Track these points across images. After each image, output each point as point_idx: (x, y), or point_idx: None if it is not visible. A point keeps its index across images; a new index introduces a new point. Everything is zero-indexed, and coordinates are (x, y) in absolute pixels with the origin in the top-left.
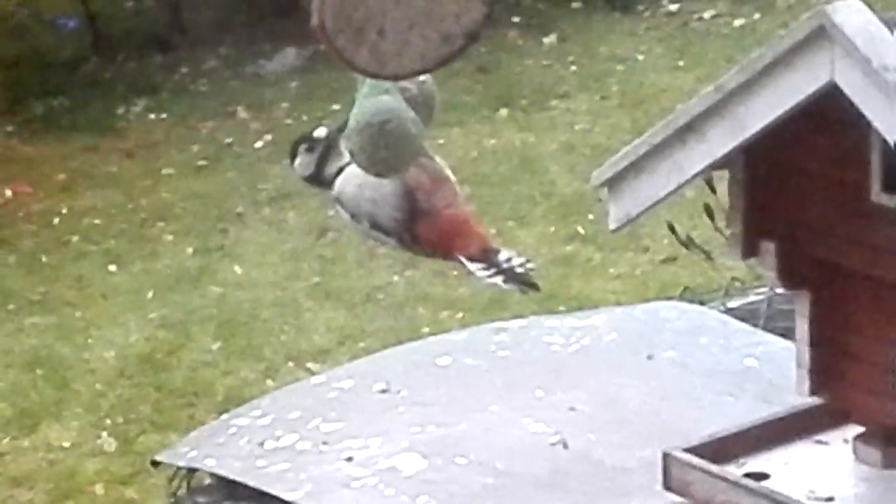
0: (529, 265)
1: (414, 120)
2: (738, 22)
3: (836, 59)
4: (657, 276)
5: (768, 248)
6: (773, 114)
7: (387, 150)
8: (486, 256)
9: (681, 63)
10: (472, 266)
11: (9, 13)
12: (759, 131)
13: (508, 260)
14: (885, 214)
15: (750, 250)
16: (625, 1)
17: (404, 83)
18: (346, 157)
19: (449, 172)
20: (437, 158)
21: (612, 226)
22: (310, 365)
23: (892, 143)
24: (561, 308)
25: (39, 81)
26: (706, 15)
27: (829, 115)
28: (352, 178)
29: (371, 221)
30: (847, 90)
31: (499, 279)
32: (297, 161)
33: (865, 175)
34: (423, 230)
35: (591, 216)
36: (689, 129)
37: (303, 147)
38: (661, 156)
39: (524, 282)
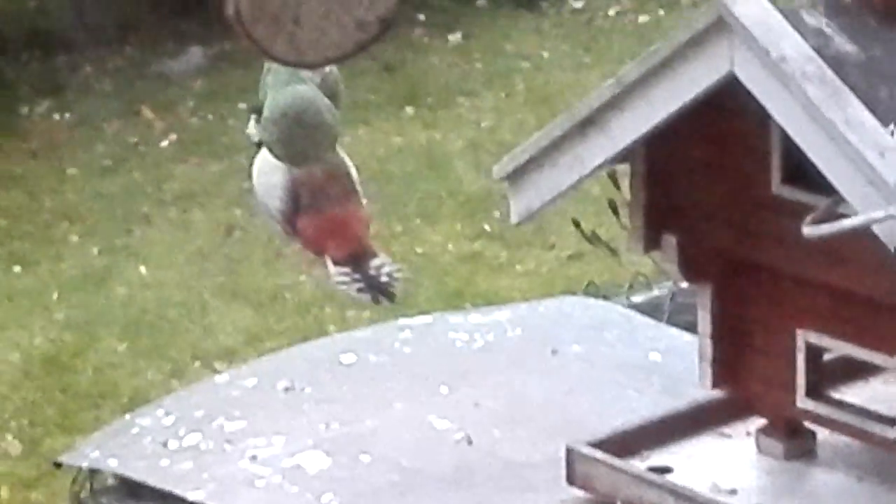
0: (397, 275)
1: (329, 108)
2: (642, 18)
3: (735, 50)
4: (563, 272)
5: (670, 241)
6: (673, 106)
7: (304, 139)
8: (354, 262)
9: (586, 60)
10: (332, 270)
11: None
12: (659, 123)
13: (379, 267)
14: (785, 206)
15: (652, 243)
16: None
17: (309, 73)
18: None
19: (352, 169)
20: (343, 154)
21: (514, 219)
22: (216, 365)
23: (791, 134)
24: (467, 305)
25: None
26: (611, 12)
27: (728, 106)
28: (256, 165)
29: (264, 208)
30: (746, 82)
31: (353, 287)
32: (249, 127)
33: (766, 167)
34: (302, 225)
35: (497, 214)
36: (590, 122)
37: (255, 116)
38: (562, 149)
39: (381, 291)
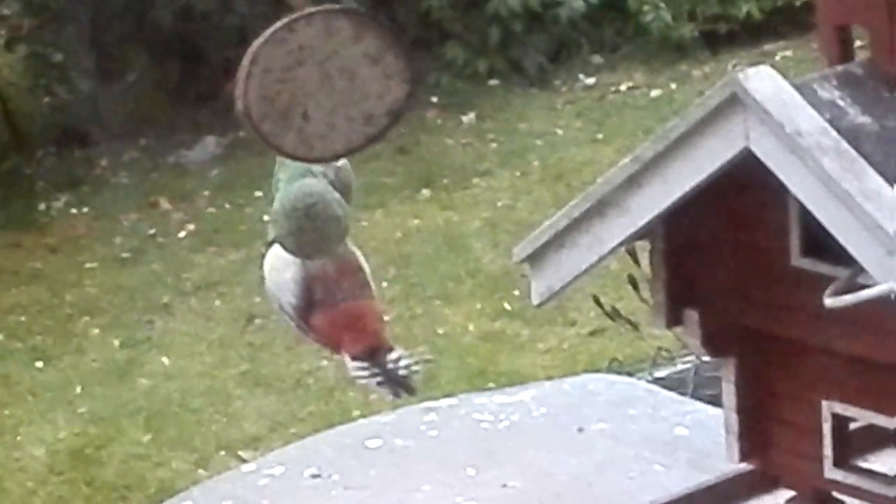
0: (416, 367)
1: (339, 202)
2: (654, 93)
3: (749, 125)
4: (585, 348)
5: (692, 316)
6: (691, 182)
7: (314, 232)
8: (372, 356)
9: (600, 136)
10: (350, 364)
11: None
12: (677, 200)
13: (397, 360)
14: (805, 279)
15: (674, 319)
16: (542, 76)
17: (321, 167)
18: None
19: (363, 262)
20: (353, 247)
21: (535, 300)
22: (241, 453)
23: (809, 207)
24: (490, 384)
25: None
26: (623, 87)
27: (745, 181)
28: (267, 261)
29: (278, 304)
30: (762, 156)
31: (373, 381)
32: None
33: (784, 240)
34: (317, 321)
35: (517, 292)
36: (608, 202)
37: None
38: (581, 229)
39: (401, 384)
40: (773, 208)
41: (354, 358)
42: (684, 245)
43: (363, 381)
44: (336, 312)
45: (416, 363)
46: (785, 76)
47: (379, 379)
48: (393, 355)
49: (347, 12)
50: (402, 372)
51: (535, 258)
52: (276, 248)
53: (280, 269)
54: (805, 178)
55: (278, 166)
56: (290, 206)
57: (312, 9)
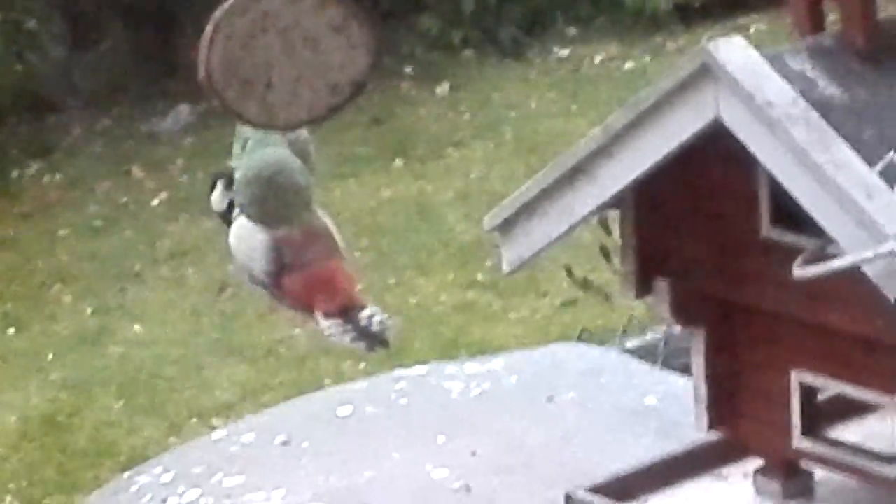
0: (389, 323)
1: (302, 170)
2: (628, 65)
3: (720, 96)
4: (557, 319)
5: (661, 285)
6: (661, 152)
7: (277, 201)
8: (345, 313)
9: (573, 108)
10: (324, 323)
11: None
12: (647, 170)
13: (370, 318)
14: (774, 249)
15: (644, 289)
16: (516, 48)
17: (282, 136)
18: None
19: (331, 224)
20: (320, 211)
21: (505, 269)
22: (214, 421)
23: (778, 178)
24: (462, 354)
25: None
26: (597, 59)
27: (715, 151)
28: (234, 231)
29: (248, 274)
30: (732, 127)
31: (346, 337)
32: (214, 195)
33: (754, 210)
34: (288, 284)
35: (489, 263)
36: (579, 171)
37: (220, 182)
38: (552, 198)
39: (374, 339)
40: (743, 179)
41: (328, 316)
42: (654, 215)
43: (337, 339)
44: (307, 274)
45: (389, 318)
46: (756, 47)
47: (353, 335)
48: (365, 312)
49: None
50: (375, 328)
51: (506, 227)
52: (241, 218)
53: (247, 238)
54: (775, 149)
55: (237, 136)
56: (253, 175)
57: None
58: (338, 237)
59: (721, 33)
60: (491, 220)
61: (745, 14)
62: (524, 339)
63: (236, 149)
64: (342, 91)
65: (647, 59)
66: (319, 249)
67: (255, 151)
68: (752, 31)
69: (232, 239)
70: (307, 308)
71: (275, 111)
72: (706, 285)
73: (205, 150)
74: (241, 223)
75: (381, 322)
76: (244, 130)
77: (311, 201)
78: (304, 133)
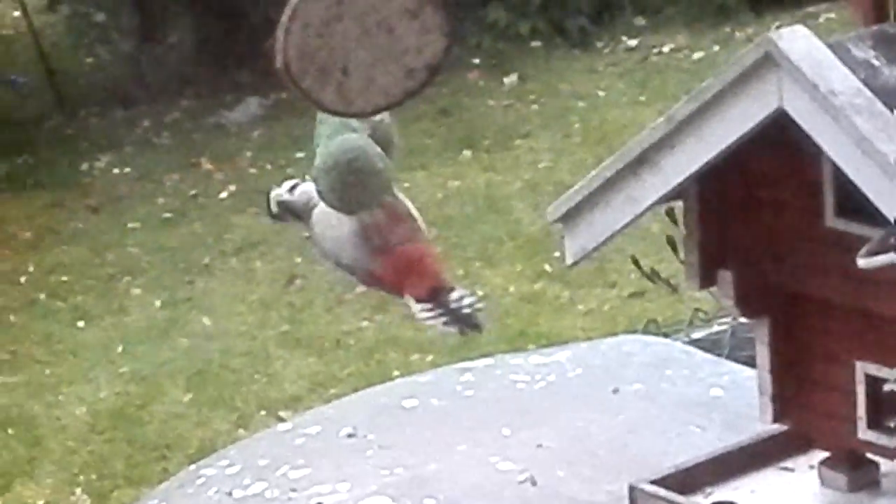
0: (479, 305)
1: (380, 155)
2: (697, 55)
3: (783, 85)
4: (625, 310)
5: (725, 276)
6: (724, 142)
7: (356, 187)
8: (435, 296)
9: (642, 98)
10: (415, 307)
11: None
12: (711, 160)
13: (459, 300)
14: (839, 239)
15: (708, 280)
16: (584, 38)
17: (361, 122)
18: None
19: (412, 209)
20: (401, 195)
21: (568, 260)
22: (282, 413)
23: (843, 168)
24: (530, 346)
25: (1, 141)
26: (665, 49)
27: (779, 141)
28: (318, 219)
29: (336, 261)
30: (796, 116)
31: (439, 321)
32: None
33: (818, 200)
34: (378, 268)
35: (557, 254)
36: (642, 161)
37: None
38: (615, 189)
39: (467, 323)
40: (806, 169)
41: (418, 300)
42: (718, 205)
43: (430, 322)
44: (395, 257)
45: (479, 301)
46: (819, 35)
47: (445, 319)
48: (455, 294)
49: None
50: (466, 310)
51: (569, 218)
52: (323, 207)
53: (335, 225)
54: (838, 139)
55: (319, 123)
56: (333, 162)
57: None
58: (419, 220)
59: (790, 22)
60: (554, 210)
61: (815, 2)
62: (591, 330)
63: (317, 135)
64: (418, 75)
65: (716, 48)
66: (404, 232)
67: (334, 138)
68: (821, 19)
69: (315, 227)
70: (397, 292)
71: (351, 97)
72: (770, 276)
73: (273, 142)
74: (323, 210)
75: (470, 304)
76: (323, 117)
77: (392, 185)
78: (386, 118)
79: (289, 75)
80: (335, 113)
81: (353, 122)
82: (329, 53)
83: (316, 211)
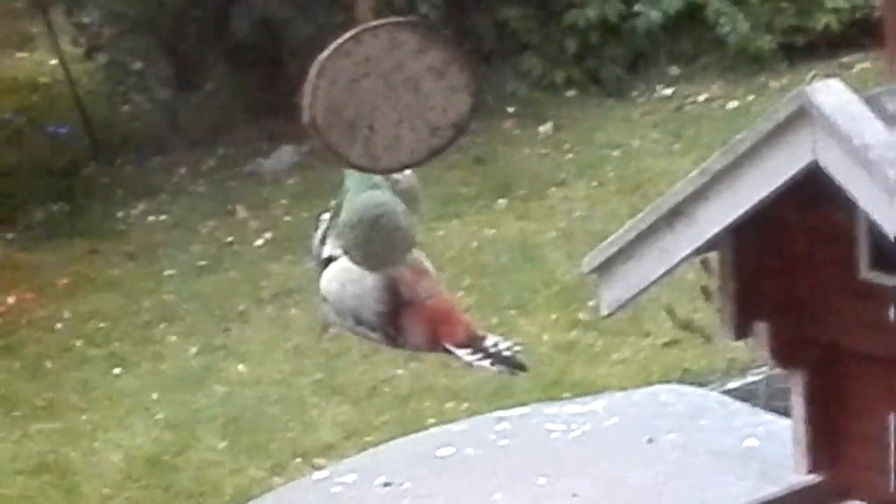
0: (516, 348)
1: (405, 213)
2: (731, 104)
3: (817, 138)
4: (659, 359)
5: (761, 328)
6: (759, 195)
7: (381, 243)
8: (473, 342)
9: (676, 147)
10: (459, 352)
11: (5, 121)
12: (746, 212)
13: (495, 345)
14: (873, 291)
15: (743, 331)
16: (619, 87)
17: (386, 178)
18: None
19: (428, 264)
20: (416, 251)
21: (603, 311)
22: (317, 461)
23: (876, 220)
24: (565, 395)
25: (38, 188)
26: (700, 98)
27: (813, 194)
28: (336, 276)
29: (356, 317)
30: (830, 169)
31: (486, 362)
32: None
33: (853, 252)
34: (407, 322)
35: (591, 303)
36: (677, 214)
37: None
38: (650, 240)
39: (512, 364)
40: (841, 221)
41: (458, 346)
42: (752, 257)
43: (478, 364)
44: (427, 309)
45: (515, 345)
46: (864, 88)
47: (491, 360)
48: (490, 340)
49: (412, 25)
50: (506, 353)
51: (604, 269)
52: (342, 262)
53: (357, 280)
54: (872, 191)
55: (346, 178)
56: (357, 218)
57: (378, 21)
58: (432, 271)
59: (825, 72)
60: (589, 262)
61: (850, 53)
62: (626, 379)
63: (343, 191)
64: (443, 134)
65: (751, 98)
66: (430, 286)
67: (360, 194)
68: (856, 69)
69: (333, 284)
70: (432, 343)
71: (377, 154)
72: (805, 328)
73: (308, 190)
74: (344, 266)
75: (508, 347)
76: (348, 172)
77: (415, 242)
78: (411, 174)
79: (316, 131)
80: (362, 169)
81: (377, 178)
82: (356, 110)
83: (336, 268)
